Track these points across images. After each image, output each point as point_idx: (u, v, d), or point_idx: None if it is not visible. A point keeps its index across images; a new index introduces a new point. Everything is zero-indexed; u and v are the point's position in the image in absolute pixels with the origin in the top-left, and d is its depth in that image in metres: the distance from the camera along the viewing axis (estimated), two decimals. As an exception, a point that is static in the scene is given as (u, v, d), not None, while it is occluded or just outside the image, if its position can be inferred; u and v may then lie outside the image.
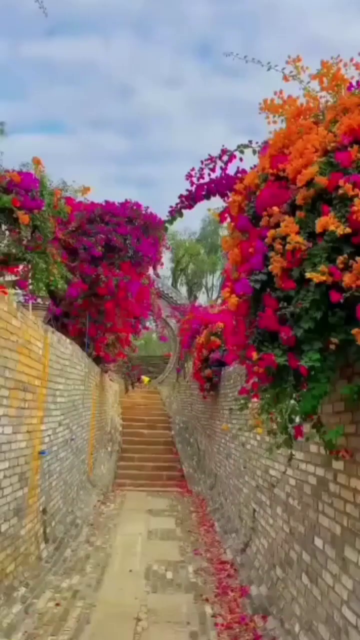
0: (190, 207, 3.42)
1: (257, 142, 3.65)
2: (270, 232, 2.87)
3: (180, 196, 3.41)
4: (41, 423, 5.50)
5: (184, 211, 3.42)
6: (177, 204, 3.43)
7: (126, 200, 9.06)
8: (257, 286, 2.87)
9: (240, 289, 2.90)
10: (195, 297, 29.90)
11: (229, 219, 3.42)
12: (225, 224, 3.44)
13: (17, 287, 6.75)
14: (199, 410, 11.95)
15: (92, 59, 56.28)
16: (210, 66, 61.17)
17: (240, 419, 7.29)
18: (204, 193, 3.39)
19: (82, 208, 8.64)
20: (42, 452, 5.44)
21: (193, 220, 58.23)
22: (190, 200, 3.38)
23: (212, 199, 3.54)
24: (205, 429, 11.13)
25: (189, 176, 3.64)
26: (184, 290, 33.63)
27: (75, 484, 7.77)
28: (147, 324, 12.43)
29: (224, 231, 40.16)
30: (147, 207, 9.03)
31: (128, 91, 63.26)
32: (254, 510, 5.59)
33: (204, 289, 37.58)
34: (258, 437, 5.75)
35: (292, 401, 2.89)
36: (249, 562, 5.12)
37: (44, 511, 5.64)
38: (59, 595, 4.51)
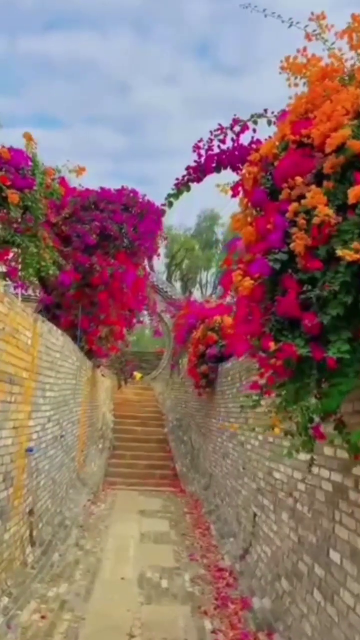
0: (198, 179, 3.06)
1: (272, 112, 3.30)
2: (292, 206, 2.52)
3: (188, 168, 3.05)
4: (29, 418, 5.13)
5: (191, 185, 3.06)
6: (183, 176, 3.06)
7: (122, 187, 8.68)
8: (277, 266, 2.51)
9: (256, 269, 2.55)
10: (190, 293, 29.52)
11: (241, 195, 3.07)
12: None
13: (7, 279, 6.38)
14: (194, 407, 11.62)
15: (90, 55, 55.65)
16: (208, 64, 60.68)
17: (240, 418, 6.95)
18: (214, 165, 3.03)
19: (76, 194, 8.26)
20: (29, 450, 5.07)
21: (188, 216, 57.84)
22: (198, 172, 3.01)
23: (223, 172, 3.19)
24: (200, 427, 10.80)
25: (196, 147, 3.28)
26: (178, 286, 33.24)
27: (65, 482, 7.40)
28: (142, 318, 12.05)
29: (219, 228, 39.50)
30: (144, 195, 8.66)
31: (125, 88, 62.65)
32: (255, 515, 5.26)
33: (198, 286, 37.24)
34: (260, 437, 5.41)
35: (313, 399, 2.55)
36: (249, 571, 4.78)
37: (31, 512, 5.27)
38: (45, 606, 4.15)
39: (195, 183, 3.06)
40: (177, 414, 13.74)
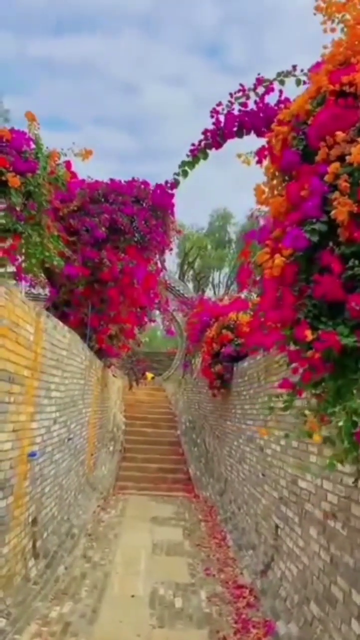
0: (217, 145, 2.65)
1: (302, 70, 2.88)
2: (332, 167, 2.09)
3: (205, 131, 2.65)
4: (32, 420, 4.74)
5: (209, 152, 2.64)
6: (200, 142, 2.66)
7: (133, 178, 8.29)
8: (315, 238, 2.09)
9: (290, 242, 2.13)
10: (203, 292, 29.07)
11: (267, 163, 2.65)
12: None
13: (16, 279, 6.04)
14: (208, 409, 11.19)
15: (97, 56, 55.51)
16: (216, 65, 60.18)
17: (257, 420, 6.51)
18: (235, 128, 2.61)
19: (84, 186, 7.89)
20: (32, 454, 4.68)
21: (201, 216, 57.44)
22: (217, 136, 2.61)
23: (245, 139, 2.78)
24: (214, 429, 10.36)
25: (214, 112, 2.87)
26: (190, 286, 32.83)
27: (73, 488, 7.02)
28: (154, 317, 11.64)
29: (232, 227, 38.91)
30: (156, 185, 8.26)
31: (132, 89, 62.44)
32: (277, 526, 4.82)
33: (210, 286, 36.78)
34: (282, 442, 4.97)
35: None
36: (272, 589, 4.34)
37: (34, 522, 4.88)
38: (47, 629, 3.75)
39: (214, 149, 2.65)
40: (190, 416, 13.31)
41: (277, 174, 2.54)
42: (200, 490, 9.72)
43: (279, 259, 2.21)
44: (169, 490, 9.77)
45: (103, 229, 7.67)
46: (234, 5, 54.27)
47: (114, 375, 13.42)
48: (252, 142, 2.85)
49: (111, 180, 8.31)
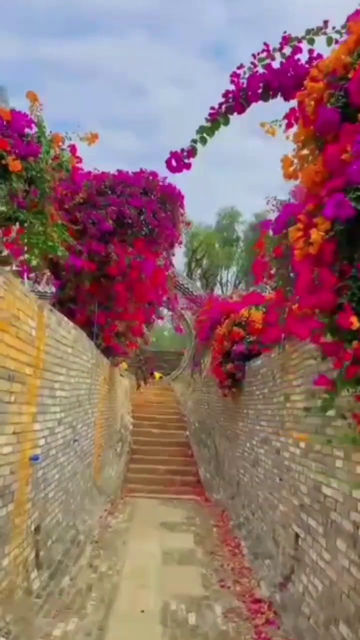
0: (240, 108, 2.32)
1: (334, 28, 2.54)
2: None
3: (227, 93, 2.31)
4: (34, 421, 4.44)
5: (230, 117, 2.32)
6: (220, 104, 2.32)
7: (141, 169, 8.00)
8: (362, 207, 1.76)
9: (331, 210, 1.80)
10: (212, 290, 28.71)
11: (296, 129, 2.32)
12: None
13: (22, 278, 5.74)
14: (218, 409, 10.85)
15: (105, 58, 55.28)
16: (221, 65, 59.77)
17: (272, 421, 6.17)
18: (260, 89, 2.28)
19: (91, 177, 7.60)
20: (34, 458, 4.38)
21: (208, 214, 56.98)
22: (241, 98, 2.27)
23: (269, 103, 2.45)
24: (224, 430, 10.03)
25: (234, 76, 2.53)
26: (198, 285, 32.53)
27: (79, 492, 6.71)
28: (162, 314, 11.32)
29: (239, 226, 38.46)
30: (165, 178, 7.96)
31: (140, 90, 62.19)
32: (297, 536, 4.48)
33: (218, 285, 36.43)
34: (302, 444, 4.63)
35: None
36: (293, 605, 4.01)
37: (37, 530, 4.58)
38: (49, 649, 3.45)
39: (236, 114, 2.32)
40: (200, 416, 12.98)
41: (309, 140, 2.21)
42: (210, 493, 9.40)
43: (316, 234, 1.88)
44: (178, 493, 9.45)
45: (110, 221, 7.38)
46: (241, 5, 53.89)
47: (121, 375, 13.12)
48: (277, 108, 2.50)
49: (118, 171, 8.02)
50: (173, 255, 8.61)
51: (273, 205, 4.36)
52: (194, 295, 15.75)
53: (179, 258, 30.09)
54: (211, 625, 3.99)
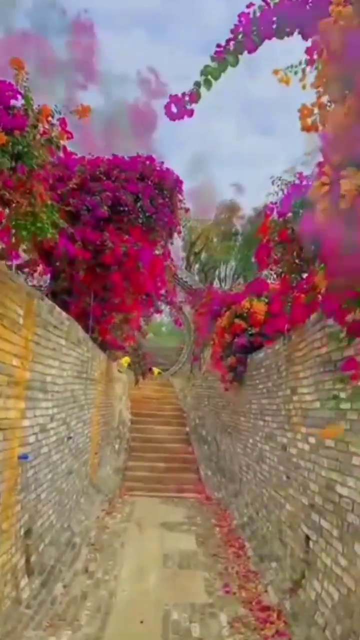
0: (251, 47, 1.97)
1: None
2: None
3: (236, 28, 1.97)
4: (23, 417, 4.11)
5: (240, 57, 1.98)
6: (228, 41, 1.99)
7: (137, 154, 7.64)
8: None
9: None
10: (211, 283, 28.33)
11: (318, 71, 1.98)
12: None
13: (18, 272, 5.42)
14: (219, 404, 10.54)
15: (103, 55, 54.73)
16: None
17: (278, 416, 5.85)
18: (274, 24, 1.95)
19: (84, 162, 7.25)
20: (23, 457, 4.05)
21: (206, 208, 56.48)
22: (252, 33, 1.93)
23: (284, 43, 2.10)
24: (226, 425, 9.72)
25: (243, 15, 2.18)
26: (197, 279, 32.14)
27: (74, 491, 6.39)
28: (160, 307, 10.97)
29: (238, 220, 38.22)
30: (162, 162, 7.62)
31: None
32: (307, 538, 4.16)
33: (217, 280, 36.05)
34: (312, 440, 4.31)
35: None
36: (305, 614, 3.69)
37: (28, 533, 4.26)
38: (39, 668, 3.12)
39: (246, 52, 1.98)
40: (200, 412, 12.66)
41: (333, 81, 1.86)
42: (212, 491, 9.09)
43: (349, 184, 1.54)
44: (178, 491, 9.14)
45: (105, 208, 7.03)
46: (242, 4, 53.66)
47: (119, 371, 12.79)
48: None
49: (113, 155, 7.67)
50: (171, 244, 8.26)
51: (278, 186, 4.02)
52: (192, 288, 15.41)
53: (177, 252, 29.67)
54: (216, 636, 3.66)
